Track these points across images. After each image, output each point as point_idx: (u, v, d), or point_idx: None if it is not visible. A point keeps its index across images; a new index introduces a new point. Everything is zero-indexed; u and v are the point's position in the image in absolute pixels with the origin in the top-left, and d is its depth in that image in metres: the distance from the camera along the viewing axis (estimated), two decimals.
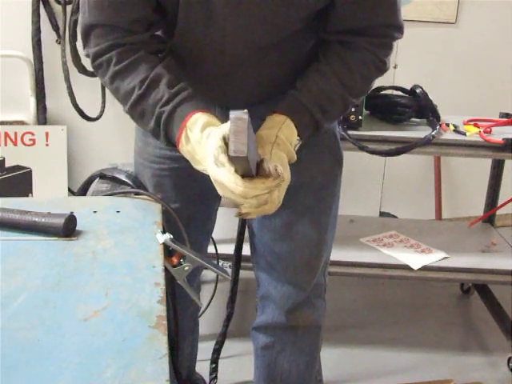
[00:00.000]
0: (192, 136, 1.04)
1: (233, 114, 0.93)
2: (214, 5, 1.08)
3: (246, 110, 0.92)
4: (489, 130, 2.02)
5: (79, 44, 2.39)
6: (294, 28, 1.14)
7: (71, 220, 1.03)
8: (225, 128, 0.97)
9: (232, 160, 0.94)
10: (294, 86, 1.17)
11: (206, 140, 1.01)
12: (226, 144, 0.95)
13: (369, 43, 1.16)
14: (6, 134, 2.48)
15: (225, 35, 1.12)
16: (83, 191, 1.33)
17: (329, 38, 1.19)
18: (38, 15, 2.45)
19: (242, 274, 1.56)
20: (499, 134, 2.00)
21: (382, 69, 1.19)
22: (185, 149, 1.07)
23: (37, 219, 1.02)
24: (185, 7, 1.09)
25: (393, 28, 1.16)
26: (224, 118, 1.27)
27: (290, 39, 1.16)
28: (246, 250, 1.47)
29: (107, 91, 2.53)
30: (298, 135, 1.12)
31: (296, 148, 1.12)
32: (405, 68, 2.77)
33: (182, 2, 1.08)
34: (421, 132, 2.00)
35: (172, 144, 1.10)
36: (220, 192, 1.00)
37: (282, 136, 1.09)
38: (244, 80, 1.21)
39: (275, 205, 1.03)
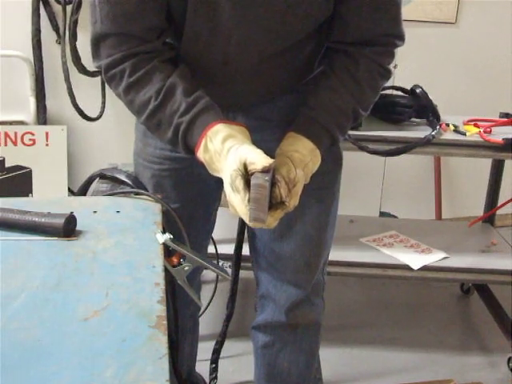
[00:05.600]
0: (212, 146, 1.05)
1: (254, 179, 0.94)
2: (220, 15, 1.08)
3: (267, 178, 0.94)
4: (489, 129, 2.02)
5: (79, 44, 2.39)
6: (298, 38, 1.15)
7: (71, 220, 1.03)
8: (247, 152, 0.99)
9: (248, 191, 0.97)
10: (308, 103, 1.18)
11: (226, 153, 1.03)
12: (245, 168, 0.98)
13: (373, 52, 1.18)
14: (6, 134, 2.48)
15: (230, 44, 1.13)
16: (83, 191, 1.33)
17: (333, 46, 1.21)
18: (38, 15, 2.45)
19: (242, 273, 1.56)
20: (499, 134, 2.00)
21: (386, 76, 1.22)
22: (202, 157, 1.07)
23: (37, 219, 1.02)
24: (191, 16, 1.08)
25: (396, 37, 1.18)
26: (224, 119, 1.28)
27: (293, 47, 1.17)
28: (246, 250, 1.47)
29: (107, 91, 2.54)
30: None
31: None
32: (405, 68, 2.77)
33: (189, 11, 1.08)
34: (421, 132, 2.00)
35: (191, 152, 1.10)
36: (232, 211, 1.02)
37: (311, 165, 1.12)
38: (246, 85, 1.22)
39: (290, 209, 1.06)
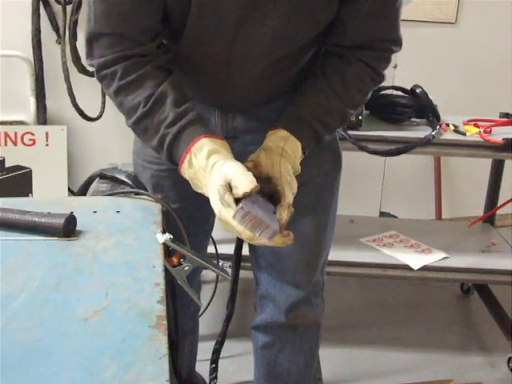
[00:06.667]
0: (196, 162, 1.05)
1: (237, 215, 0.94)
2: (225, 17, 1.07)
3: (241, 206, 0.94)
4: (489, 129, 2.02)
5: (79, 44, 2.40)
6: (302, 42, 1.15)
7: (71, 220, 1.03)
8: (231, 172, 0.98)
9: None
10: (293, 101, 1.18)
11: (210, 169, 1.02)
12: (229, 184, 0.98)
13: (368, 57, 1.18)
14: (6, 134, 2.48)
15: (233, 47, 1.12)
16: (83, 191, 1.33)
17: (330, 49, 1.20)
18: (38, 15, 2.45)
19: (242, 273, 1.55)
20: (499, 134, 2.00)
21: (378, 81, 1.22)
22: (186, 172, 1.07)
23: (37, 219, 1.02)
24: (194, 17, 1.07)
25: (392, 42, 1.18)
26: (223, 120, 1.28)
27: (295, 53, 1.17)
28: (246, 250, 1.47)
29: None
30: (302, 148, 1.14)
31: (300, 160, 1.15)
32: (405, 68, 2.77)
33: (192, 12, 1.06)
34: (421, 132, 2.00)
35: (173, 162, 1.10)
36: (223, 228, 1.00)
37: (288, 149, 1.11)
38: (246, 88, 1.22)
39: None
